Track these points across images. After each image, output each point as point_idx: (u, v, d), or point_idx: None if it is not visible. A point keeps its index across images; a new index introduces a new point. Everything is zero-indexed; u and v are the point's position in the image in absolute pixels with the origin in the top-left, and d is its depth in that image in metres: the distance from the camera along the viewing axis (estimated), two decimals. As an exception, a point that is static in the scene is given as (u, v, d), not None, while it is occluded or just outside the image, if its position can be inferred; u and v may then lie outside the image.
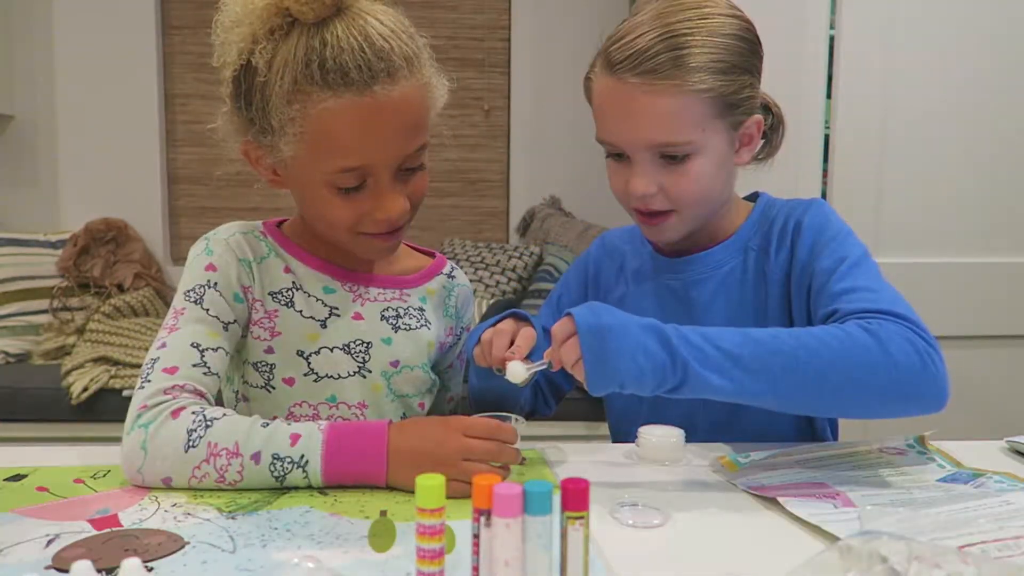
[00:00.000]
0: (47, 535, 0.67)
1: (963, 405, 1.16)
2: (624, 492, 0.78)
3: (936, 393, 0.78)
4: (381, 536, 0.65)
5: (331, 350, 0.94)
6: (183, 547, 0.65)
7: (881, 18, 2.02)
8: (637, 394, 0.78)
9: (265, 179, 0.92)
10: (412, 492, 0.56)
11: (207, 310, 0.89)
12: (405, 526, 0.68)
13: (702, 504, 0.76)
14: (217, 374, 0.87)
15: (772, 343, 0.78)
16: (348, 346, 0.94)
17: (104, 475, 0.83)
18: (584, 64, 0.95)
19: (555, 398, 1.10)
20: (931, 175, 2.08)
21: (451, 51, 3.09)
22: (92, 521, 0.70)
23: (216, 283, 0.90)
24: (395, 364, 0.97)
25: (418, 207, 0.92)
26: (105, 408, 2.26)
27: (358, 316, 0.96)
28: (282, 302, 0.94)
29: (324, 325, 0.94)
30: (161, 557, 0.63)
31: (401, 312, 0.99)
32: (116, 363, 2.36)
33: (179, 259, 3.10)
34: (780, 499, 0.75)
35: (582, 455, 0.91)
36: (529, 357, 0.88)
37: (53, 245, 2.85)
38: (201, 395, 0.84)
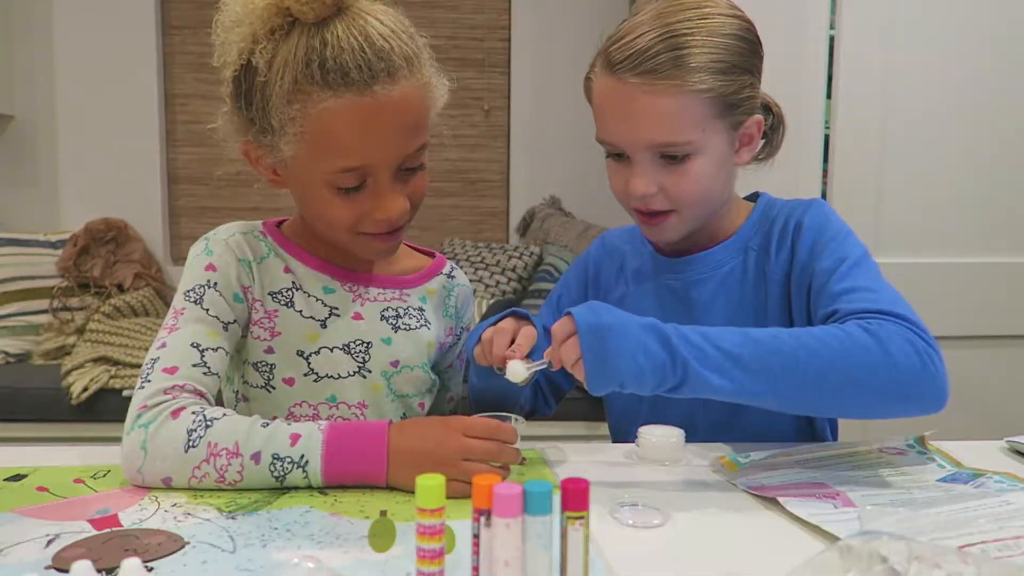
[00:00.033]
0: (47, 535, 0.67)
1: (963, 405, 1.16)
2: (624, 492, 0.78)
3: (936, 393, 0.78)
4: (381, 536, 0.65)
5: (331, 350, 0.94)
6: (183, 547, 0.65)
7: (881, 18, 2.02)
8: (637, 394, 0.78)
9: (265, 179, 0.92)
10: (412, 492, 0.56)
11: (207, 310, 0.89)
12: (405, 526, 0.68)
13: (702, 504, 0.76)
14: (217, 374, 0.87)
15: (772, 343, 0.78)
16: (348, 346, 0.94)
17: (104, 475, 0.83)
18: (584, 64, 0.95)
19: (555, 398, 1.10)
20: (931, 175, 2.08)
21: (451, 51, 3.09)
22: (92, 521, 0.70)
23: (216, 283, 0.90)
24: (395, 364, 0.97)
25: (418, 207, 0.92)
26: (105, 408, 2.27)
27: (358, 316, 0.96)
28: (282, 302, 0.94)
29: (324, 325, 0.94)
30: (161, 557, 0.63)
31: (401, 312, 0.99)
32: (116, 363, 2.36)
33: (179, 259, 3.10)
34: (780, 499, 0.75)
35: (582, 455, 0.91)
36: (530, 356, 0.88)
37: (53, 245, 2.85)
38: (201, 395, 0.84)
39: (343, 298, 0.96)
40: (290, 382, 0.93)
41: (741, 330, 0.79)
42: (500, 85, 3.18)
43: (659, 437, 0.89)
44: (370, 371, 0.95)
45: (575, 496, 0.53)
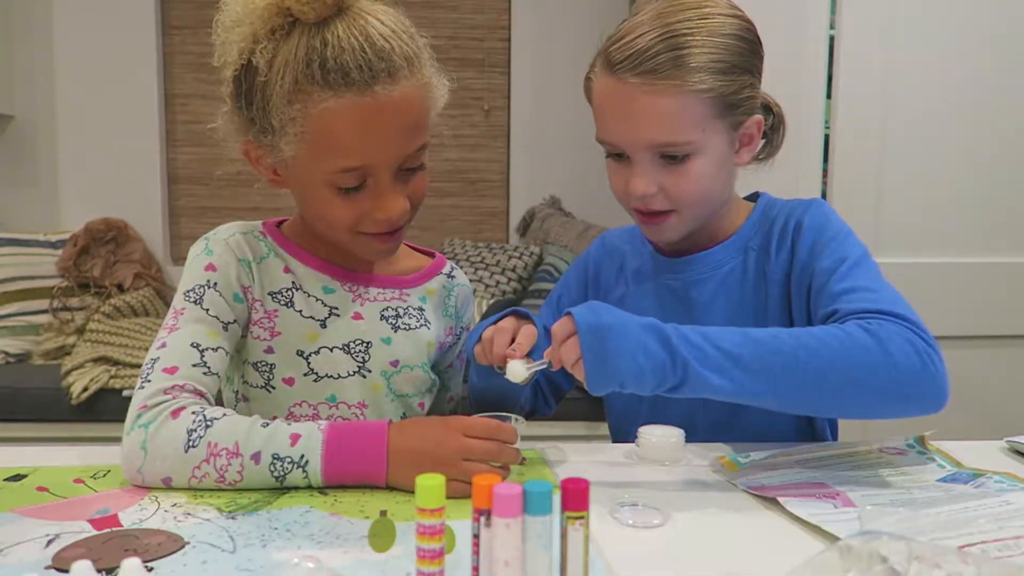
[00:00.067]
0: (47, 535, 0.67)
1: (963, 405, 1.16)
2: (624, 492, 0.78)
3: (936, 393, 0.78)
4: (381, 536, 0.65)
5: (331, 350, 0.94)
6: (183, 547, 0.65)
7: (881, 18, 2.02)
8: (637, 393, 0.78)
9: (265, 179, 0.92)
10: (412, 492, 0.55)
11: (207, 310, 0.89)
12: (405, 526, 0.68)
13: (702, 504, 0.76)
14: (217, 374, 0.87)
15: (772, 343, 0.78)
16: (348, 346, 0.94)
17: (104, 475, 0.83)
18: (584, 64, 0.95)
19: (555, 397, 1.10)
20: (931, 175, 2.08)
21: (451, 51, 3.09)
22: (92, 521, 0.70)
23: (216, 283, 0.90)
24: (395, 364, 0.97)
25: (418, 207, 0.92)
26: (105, 408, 2.27)
27: (358, 316, 0.96)
28: (282, 302, 0.94)
29: (324, 325, 0.94)
30: (161, 557, 0.63)
31: (401, 312, 0.99)
32: (116, 363, 2.36)
33: (179, 259, 3.10)
34: (780, 499, 0.75)
35: (582, 455, 0.91)
36: (530, 355, 0.88)
37: (53, 245, 2.85)
38: (201, 395, 0.84)
39: (343, 298, 0.96)
40: (290, 382, 0.93)
41: (741, 330, 0.79)
42: (500, 85, 3.18)
43: (659, 437, 0.89)
44: (370, 371, 0.95)
45: (575, 496, 0.53)
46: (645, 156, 0.90)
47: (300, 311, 0.94)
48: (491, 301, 2.72)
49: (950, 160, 2.07)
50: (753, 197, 1.04)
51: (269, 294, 0.94)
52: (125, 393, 2.26)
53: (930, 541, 0.59)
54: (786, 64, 1.94)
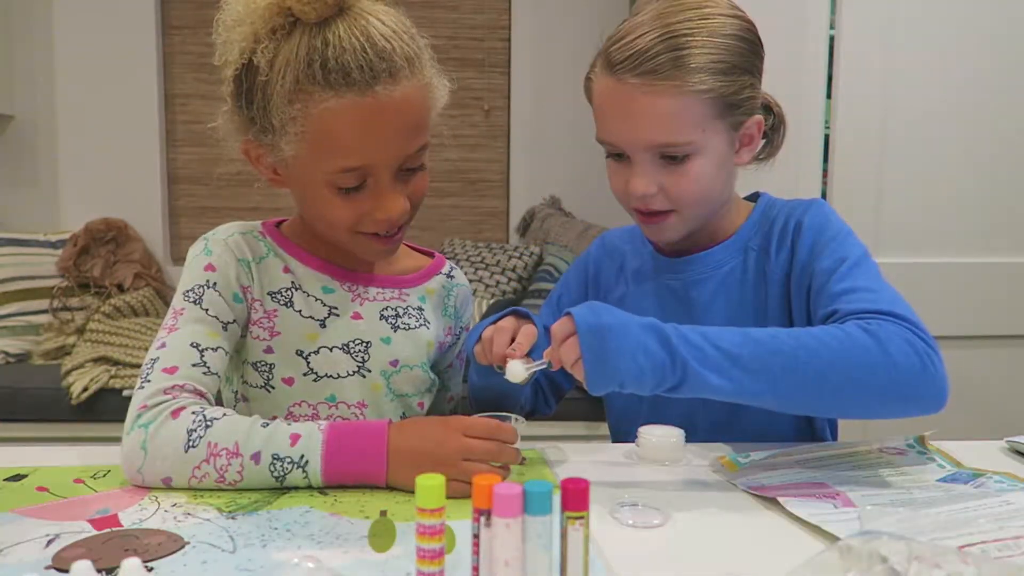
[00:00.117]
0: (47, 535, 0.67)
1: (963, 405, 1.16)
2: (624, 492, 0.78)
3: (935, 394, 0.78)
4: (381, 536, 0.65)
5: (330, 350, 0.94)
6: (183, 547, 0.65)
7: (881, 18, 2.02)
8: (636, 393, 0.78)
9: (265, 178, 0.92)
10: (412, 492, 0.56)
11: (206, 310, 0.89)
12: (405, 526, 0.68)
13: (702, 504, 0.76)
14: (217, 374, 0.87)
15: (772, 343, 0.78)
16: (347, 346, 0.94)
17: (104, 475, 0.83)
18: (584, 64, 0.95)
19: (555, 397, 1.10)
20: (931, 175, 2.08)
21: (451, 51, 3.09)
22: (92, 521, 0.70)
23: (215, 283, 0.90)
24: (394, 363, 0.97)
25: (418, 207, 0.92)
26: (105, 408, 2.26)
27: (357, 316, 0.96)
28: (281, 302, 0.94)
29: (323, 325, 0.94)
30: (161, 557, 0.63)
31: (400, 312, 0.99)
32: (116, 363, 2.36)
33: (179, 259, 3.10)
34: (780, 499, 0.75)
35: (582, 455, 0.91)
36: (530, 355, 0.88)
37: (53, 245, 2.85)
38: (201, 395, 0.84)
39: (342, 298, 0.96)
40: (289, 382, 0.93)
41: (741, 330, 0.79)
42: (500, 85, 3.18)
43: (659, 437, 0.89)
44: (369, 371, 0.95)
45: (575, 496, 0.53)
46: (645, 156, 0.90)
47: (299, 311, 0.94)
48: (491, 301, 2.72)
49: (950, 160, 2.07)
50: (753, 197, 1.04)
51: (268, 294, 0.94)
52: (125, 393, 2.26)
53: (930, 541, 0.59)
54: (786, 64, 1.94)
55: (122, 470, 0.80)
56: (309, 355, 0.93)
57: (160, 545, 0.65)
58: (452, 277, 1.07)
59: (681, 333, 0.77)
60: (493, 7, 3.15)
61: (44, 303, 2.72)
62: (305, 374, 0.93)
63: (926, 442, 0.90)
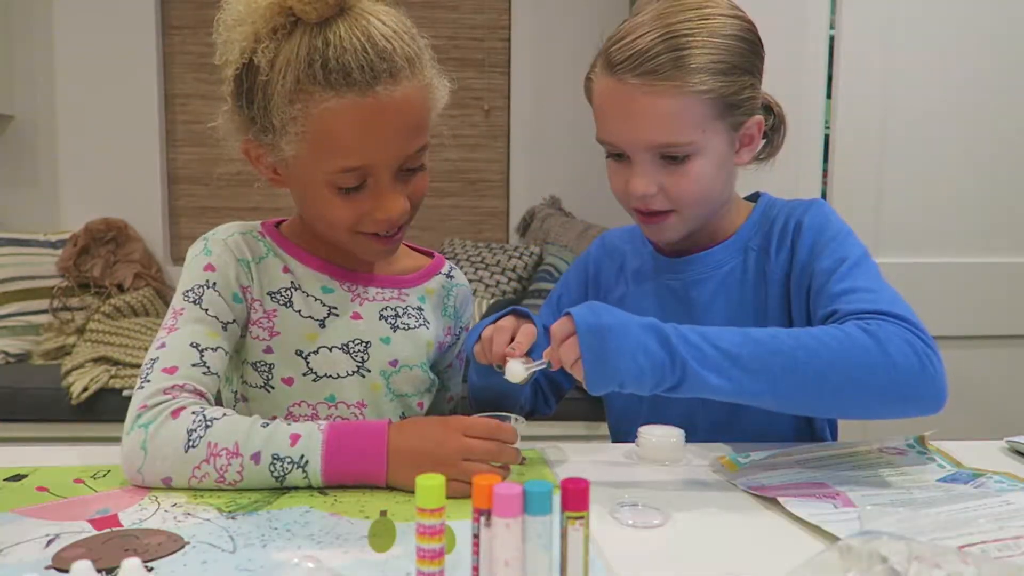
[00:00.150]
0: (47, 535, 0.67)
1: (963, 405, 1.16)
2: (624, 492, 0.78)
3: (935, 394, 0.78)
4: (381, 536, 0.65)
5: (330, 350, 0.94)
6: (183, 547, 0.65)
7: (881, 18, 2.02)
8: (636, 393, 0.78)
9: (265, 178, 0.92)
10: (412, 492, 0.55)
11: (206, 310, 0.89)
12: (405, 526, 0.68)
13: (702, 504, 0.76)
14: (217, 374, 0.87)
15: (771, 343, 0.78)
16: (347, 346, 0.94)
17: (104, 475, 0.83)
18: (584, 64, 0.95)
19: (555, 397, 1.10)
20: (931, 175, 2.08)
21: (451, 51, 3.09)
22: (92, 521, 0.70)
23: (215, 283, 0.90)
24: (394, 363, 0.97)
25: (418, 207, 0.92)
26: (105, 408, 2.26)
27: (357, 316, 0.96)
28: (281, 302, 0.94)
29: (323, 325, 0.94)
30: (161, 557, 0.63)
31: (400, 312, 0.99)
32: (116, 363, 2.36)
33: (179, 259, 3.10)
34: (780, 499, 0.75)
35: (582, 455, 0.91)
36: (529, 354, 0.88)
37: (53, 245, 2.85)
38: (201, 395, 0.84)
39: (342, 298, 0.96)
40: (289, 382, 0.93)
41: (740, 330, 0.79)
42: (500, 85, 3.18)
43: (659, 437, 0.89)
44: (369, 371, 0.95)
45: (575, 496, 0.53)
46: (645, 156, 0.90)
47: (299, 311, 0.94)
48: (491, 301, 2.72)
49: (950, 160, 2.07)
50: (753, 197, 1.04)
51: (268, 294, 0.94)
52: (125, 393, 2.26)
53: (930, 541, 0.59)
54: (786, 64, 1.94)
55: (122, 470, 0.80)
56: (308, 355, 0.93)
57: (160, 545, 0.65)
58: (452, 277, 1.07)
59: (681, 333, 0.77)
60: (493, 7, 3.15)
61: (44, 303, 2.72)
62: (304, 374, 0.93)
63: (926, 442, 0.90)
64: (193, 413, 0.80)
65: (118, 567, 0.52)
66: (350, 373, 0.95)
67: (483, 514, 0.53)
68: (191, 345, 0.86)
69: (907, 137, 2.06)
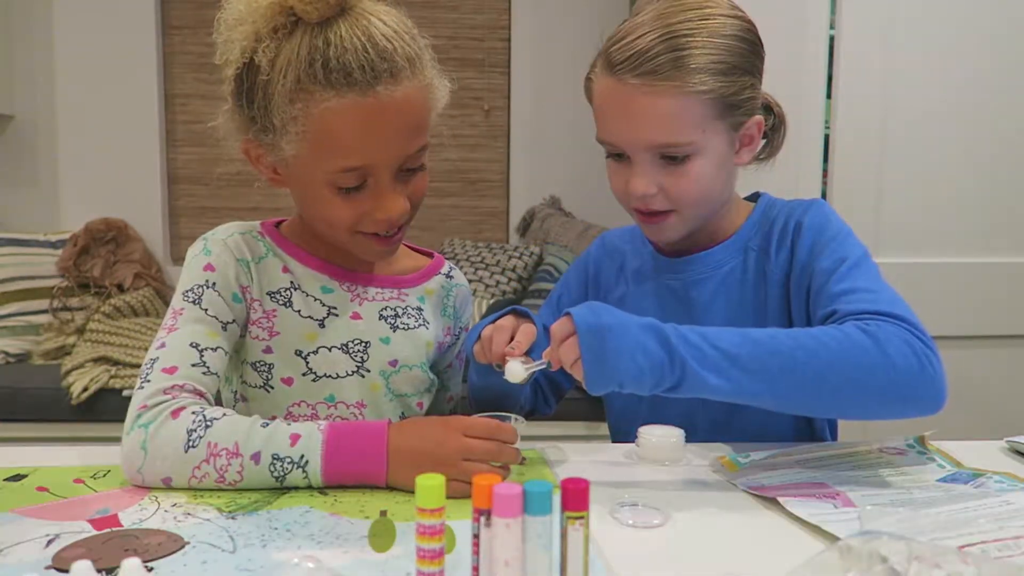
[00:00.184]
0: (47, 535, 0.67)
1: (963, 405, 1.16)
2: (624, 492, 0.78)
3: (934, 395, 0.78)
4: (381, 536, 0.65)
5: (329, 350, 0.94)
6: (183, 547, 0.65)
7: (881, 18, 2.02)
8: (636, 393, 0.78)
9: (265, 178, 0.92)
10: (412, 492, 0.56)
11: (206, 310, 0.89)
12: (405, 526, 0.68)
13: (702, 504, 0.76)
14: (216, 374, 0.87)
15: (770, 343, 0.78)
16: (346, 346, 0.94)
17: (104, 475, 0.83)
18: (584, 64, 0.95)
19: (555, 397, 1.10)
20: (931, 175, 2.08)
21: (451, 51, 3.09)
22: (92, 521, 0.70)
23: (214, 283, 0.90)
24: (393, 363, 0.97)
25: (418, 207, 0.92)
26: (105, 408, 2.26)
27: (356, 316, 0.96)
28: (280, 302, 0.94)
29: (322, 325, 0.94)
30: (161, 557, 0.63)
31: (399, 312, 0.99)
32: (116, 363, 2.36)
33: (179, 259, 3.10)
34: (780, 499, 0.75)
35: (582, 455, 0.91)
36: (529, 354, 0.88)
37: (53, 245, 2.85)
38: (201, 395, 0.84)
39: (341, 298, 0.96)
40: (288, 382, 0.93)
41: (740, 330, 0.79)
42: (500, 85, 3.18)
43: (659, 437, 0.89)
44: (368, 371, 0.95)
45: (575, 496, 0.53)
46: (645, 156, 0.90)
47: (299, 311, 0.94)
48: (491, 301, 2.72)
49: (950, 160, 2.07)
50: (753, 197, 1.04)
51: (267, 294, 0.94)
52: (125, 393, 2.26)
53: (930, 541, 0.59)
54: (786, 64, 1.94)
55: (122, 470, 0.80)
56: (308, 355, 0.93)
57: (160, 545, 0.65)
58: (451, 277, 1.07)
59: (680, 333, 0.77)
60: (493, 7, 3.15)
61: (44, 303, 2.72)
62: (304, 374, 0.93)
63: (926, 442, 0.90)
64: (193, 413, 0.80)
65: (118, 567, 0.52)
66: (349, 373, 0.95)
67: (483, 514, 0.53)
68: (191, 345, 0.86)
69: (907, 137, 2.06)
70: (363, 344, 0.95)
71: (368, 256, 0.96)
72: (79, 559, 0.51)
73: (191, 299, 0.89)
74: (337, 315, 0.95)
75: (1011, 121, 2.07)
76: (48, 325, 2.66)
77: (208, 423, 0.79)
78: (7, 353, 2.52)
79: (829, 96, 2.07)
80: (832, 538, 0.67)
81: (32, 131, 3.01)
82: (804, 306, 0.92)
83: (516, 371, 0.85)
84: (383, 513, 0.68)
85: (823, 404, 0.81)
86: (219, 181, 3.08)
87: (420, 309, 1.01)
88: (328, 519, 0.71)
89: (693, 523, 0.72)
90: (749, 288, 0.97)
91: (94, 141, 3.02)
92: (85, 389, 2.25)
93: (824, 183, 2.11)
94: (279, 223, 1.01)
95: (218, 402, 0.90)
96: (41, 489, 0.78)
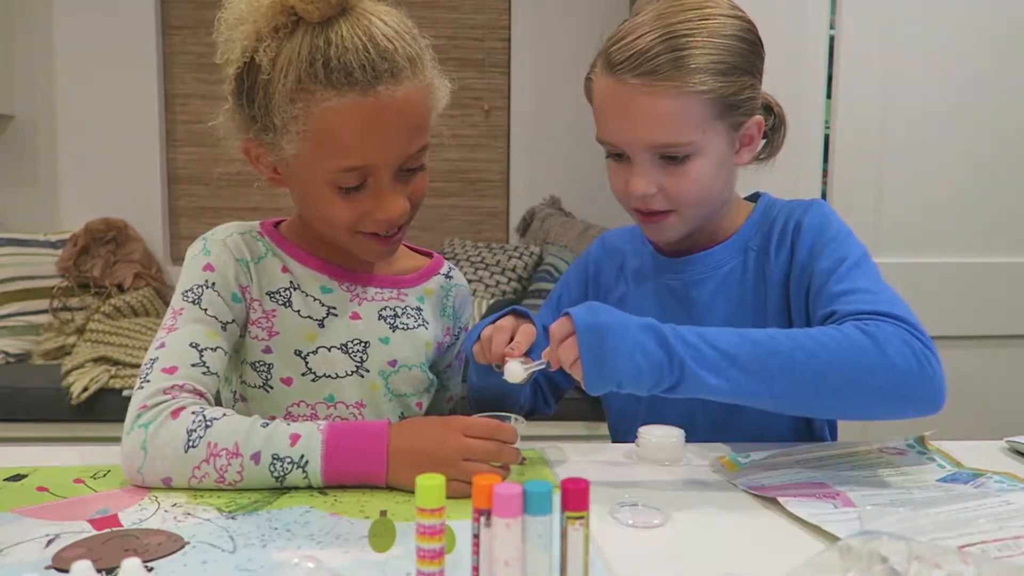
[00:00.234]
0: (47, 535, 0.67)
1: (963, 405, 1.16)
2: (624, 492, 0.78)
3: (933, 395, 0.78)
4: (381, 536, 0.65)
5: (329, 350, 0.94)
6: (183, 547, 0.65)
7: (881, 18, 2.02)
8: (635, 393, 0.78)
9: (265, 177, 0.92)
10: (412, 492, 0.56)
11: (205, 310, 0.89)
12: (405, 526, 0.68)
13: (702, 504, 0.76)
14: (216, 374, 0.87)
15: (769, 343, 0.78)
16: (346, 346, 0.94)
17: (104, 475, 0.83)
18: (584, 64, 0.95)
19: (555, 397, 1.10)
20: (931, 175, 2.08)
21: (451, 51, 3.09)
22: (92, 521, 0.70)
23: (214, 283, 0.90)
24: (393, 364, 0.97)
25: (418, 207, 0.92)
26: (105, 408, 2.27)
27: (356, 316, 0.96)
28: (280, 302, 0.94)
29: (322, 325, 0.94)
30: (161, 557, 0.63)
31: (399, 312, 0.99)
32: (116, 363, 2.36)
33: (179, 259, 3.10)
34: (780, 499, 0.75)
35: (582, 455, 0.91)
36: (528, 354, 0.88)
37: (53, 245, 2.85)
38: (200, 395, 0.84)
39: (341, 298, 0.96)
40: (288, 382, 0.93)
41: (739, 331, 0.79)
42: (500, 85, 3.18)
43: (659, 437, 0.89)
44: (368, 371, 0.95)
45: (575, 496, 0.53)
46: (645, 156, 0.90)
47: (298, 311, 0.94)
48: (491, 301, 2.72)
49: (950, 160, 2.07)
50: (753, 197, 1.04)
51: (267, 294, 0.94)
52: (125, 393, 2.26)
53: (930, 541, 0.59)
54: (786, 64, 1.94)
55: (122, 470, 0.80)
56: (307, 355, 0.93)
57: (160, 545, 0.65)
58: (451, 277, 1.07)
59: (679, 333, 0.77)
60: (493, 7, 3.15)
61: (44, 303, 2.72)
62: (303, 374, 0.93)
63: (926, 442, 0.90)
64: (193, 413, 0.80)
65: (118, 567, 0.52)
66: (349, 373, 0.95)
67: (483, 514, 0.53)
68: (191, 345, 0.86)
69: (907, 137, 2.06)
70: (362, 344, 0.95)
71: (368, 256, 0.96)
72: (79, 559, 0.51)
73: (191, 299, 0.89)
74: (336, 315, 0.95)
75: (1011, 121, 2.07)
76: (48, 325, 2.66)
77: (208, 423, 0.79)
78: (7, 353, 2.52)
79: (829, 96, 2.07)
80: (832, 538, 0.67)
81: (32, 131, 3.01)
82: (804, 306, 0.92)
83: (515, 371, 0.85)
84: (383, 513, 0.68)
85: (822, 404, 0.81)
86: (219, 181, 3.08)
87: (419, 309, 1.01)
88: (328, 519, 0.71)
89: (693, 523, 0.72)
90: (749, 288, 0.97)
91: (94, 141, 3.02)
92: (85, 389, 2.25)
93: (824, 183, 2.11)
94: (278, 223, 1.01)
95: (218, 402, 0.90)
96: (41, 489, 0.78)
